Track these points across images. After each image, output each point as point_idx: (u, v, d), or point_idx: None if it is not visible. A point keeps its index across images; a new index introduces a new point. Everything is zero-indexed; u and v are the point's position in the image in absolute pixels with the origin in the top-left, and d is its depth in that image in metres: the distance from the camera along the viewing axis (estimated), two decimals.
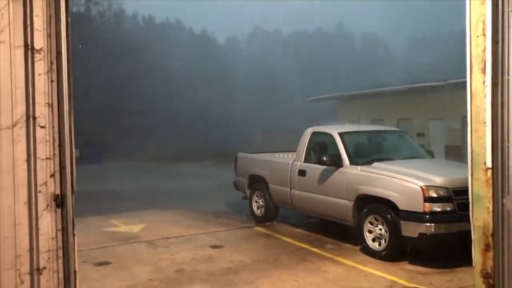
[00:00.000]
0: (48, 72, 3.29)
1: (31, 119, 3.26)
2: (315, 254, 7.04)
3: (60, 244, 3.38)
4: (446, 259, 6.39)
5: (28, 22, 3.20)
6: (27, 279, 3.30)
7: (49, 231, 3.34)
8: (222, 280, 5.90)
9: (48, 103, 3.31)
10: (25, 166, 3.24)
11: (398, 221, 6.44)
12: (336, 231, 8.08)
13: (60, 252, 3.39)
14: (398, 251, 6.56)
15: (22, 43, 3.21)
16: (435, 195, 6.25)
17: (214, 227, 8.95)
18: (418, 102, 19.53)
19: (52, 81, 3.31)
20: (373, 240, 6.82)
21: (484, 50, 4.48)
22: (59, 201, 3.37)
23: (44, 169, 3.31)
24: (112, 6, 38.16)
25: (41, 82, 3.28)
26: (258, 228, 8.88)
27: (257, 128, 31.87)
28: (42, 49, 3.26)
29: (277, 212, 9.34)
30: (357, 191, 7.09)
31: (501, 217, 4.35)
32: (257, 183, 9.53)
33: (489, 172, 4.46)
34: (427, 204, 6.19)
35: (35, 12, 3.21)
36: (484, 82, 4.49)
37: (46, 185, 3.32)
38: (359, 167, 7.28)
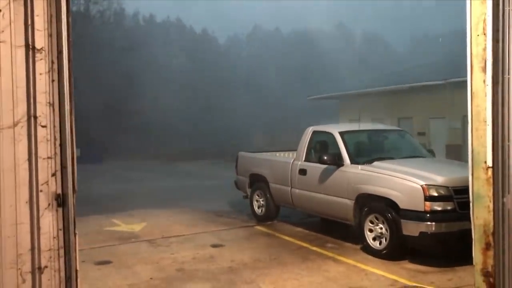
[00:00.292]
0: (49, 71, 3.30)
1: (32, 118, 3.27)
2: (316, 253, 7.04)
3: (61, 243, 3.39)
4: (447, 258, 6.40)
5: (29, 22, 3.21)
6: (28, 278, 3.31)
7: (51, 230, 3.35)
8: (223, 279, 5.91)
9: (49, 103, 3.31)
10: (26, 165, 3.25)
11: (398, 220, 6.44)
12: (337, 230, 8.09)
13: (62, 251, 3.40)
14: (399, 250, 6.56)
15: (23, 42, 3.21)
16: (435, 194, 6.26)
17: (215, 226, 8.96)
18: (419, 101, 19.51)
19: (53, 80, 3.32)
20: (374, 239, 6.82)
21: (484, 49, 4.48)
22: (60, 200, 3.38)
23: (45, 169, 3.32)
24: (112, 5, 38.20)
25: (42, 82, 3.29)
26: (259, 227, 8.89)
27: (258, 127, 31.89)
28: (43, 49, 3.27)
29: (278, 211, 9.35)
30: (358, 190, 7.09)
31: (502, 216, 4.35)
32: (258, 182, 9.54)
33: (490, 171, 4.46)
34: (427, 203, 6.20)
35: (36, 12, 3.22)
36: (484, 81, 4.50)
37: (47, 184, 3.33)
38: (359, 166, 7.28)
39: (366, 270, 6.22)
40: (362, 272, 6.15)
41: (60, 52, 3.30)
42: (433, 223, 6.16)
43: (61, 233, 3.40)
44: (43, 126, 3.30)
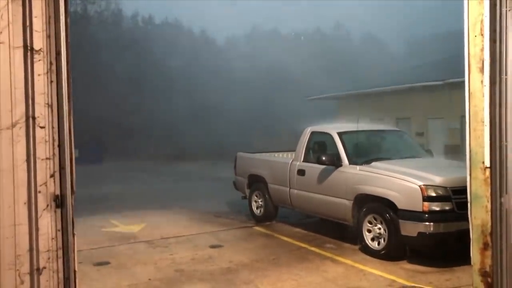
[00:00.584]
0: (47, 72, 3.30)
1: (30, 119, 3.27)
2: (314, 254, 7.05)
3: (60, 244, 3.39)
4: (445, 258, 6.41)
5: (28, 23, 3.21)
6: (27, 279, 3.31)
7: (49, 231, 3.35)
8: (221, 280, 5.92)
9: (48, 104, 3.32)
10: (24, 166, 3.25)
11: (397, 220, 6.46)
12: (335, 230, 8.10)
13: (60, 252, 3.40)
14: (397, 250, 6.57)
15: (21, 43, 3.22)
16: (434, 194, 6.27)
17: (213, 227, 8.96)
18: (417, 101, 19.54)
19: (51, 81, 3.32)
20: (372, 239, 6.83)
21: (482, 50, 4.49)
22: (59, 201, 3.38)
23: (44, 169, 3.32)
24: (110, 6, 38.17)
25: (41, 83, 3.29)
26: (257, 228, 8.90)
27: (257, 127, 31.88)
28: (42, 50, 3.27)
29: (277, 211, 9.35)
30: (356, 191, 7.10)
31: (499, 216, 4.37)
32: (257, 182, 9.54)
33: (487, 171, 4.47)
34: (426, 203, 6.21)
35: (34, 13, 3.23)
36: (482, 82, 4.51)
37: (46, 185, 3.33)
38: (358, 167, 7.29)
39: (364, 270, 6.23)
40: (361, 272, 6.16)
41: (58, 53, 3.31)
42: (431, 223, 6.17)
43: (59, 234, 3.40)
44: (41, 127, 3.30)
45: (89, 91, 27.33)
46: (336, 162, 7.56)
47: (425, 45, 40.62)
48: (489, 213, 4.46)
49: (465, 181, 4.69)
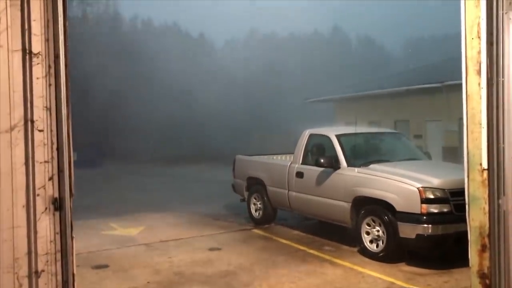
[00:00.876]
0: (46, 76, 3.31)
1: (29, 122, 3.28)
2: (313, 256, 7.06)
3: (58, 247, 3.39)
4: (444, 260, 6.42)
5: (26, 27, 3.22)
6: (25, 282, 3.31)
7: (48, 234, 3.35)
8: (220, 283, 5.92)
9: (46, 107, 3.32)
10: (23, 169, 3.26)
11: (395, 222, 6.47)
12: (334, 232, 8.11)
13: (59, 255, 3.40)
14: (395, 252, 6.58)
15: (20, 47, 3.23)
16: (432, 196, 6.28)
17: (212, 229, 8.96)
18: (415, 104, 19.58)
19: (50, 84, 3.33)
20: (371, 241, 6.84)
21: (479, 52, 4.51)
22: (57, 204, 3.38)
23: (42, 172, 3.32)
24: (109, 9, 38.23)
25: (39, 86, 3.30)
26: (256, 231, 8.90)
27: (255, 130, 31.90)
28: (40, 53, 3.28)
29: (275, 214, 9.35)
30: (355, 193, 7.11)
31: (497, 218, 4.38)
32: (255, 185, 9.55)
33: (485, 173, 4.49)
34: (424, 206, 6.22)
35: (32, 17, 3.23)
36: (479, 84, 4.53)
37: (45, 188, 3.33)
38: (356, 169, 7.31)
39: (363, 272, 6.23)
40: (359, 274, 6.16)
41: (57, 57, 3.31)
42: (430, 225, 6.18)
43: (58, 237, 3.40)
44: (40, 130, 3.31)
45: (88, 94, 27.34)
46: (334, 164, 7.57)
47: (423, 48, 40.74)
48: (487, 215, 4.48)
49: (463, 183, 4.70)
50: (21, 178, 3.26)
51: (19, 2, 3.19)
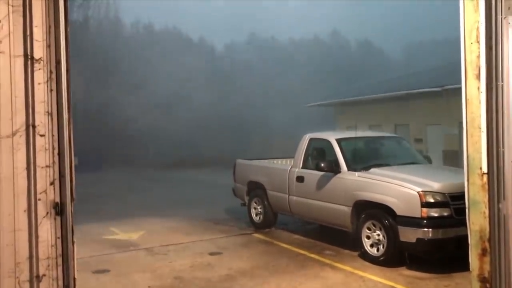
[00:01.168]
0: (47, 81, 3.33)
1: (30, 127, 3.30)
2: (313, 260, 7.05)
3: (59, 251, 3.40)
4: (444, 264, 6.42)
5: (28, 33, 3.25)
6: (26, 286, 3.32)
7: (49, 238, 3.36)
8: (220, 287, 5.91)
9: (48, 112, 3.35)
10: (25, 174, 3.27)
11: (396, 226, 6.47)
12: (334, 237, 8.10)
13: (60, 260, 3.41)
14: (396, 256, 6.58)
15: (22, 52, 3.25)
16: (432, 200, 6.29)
17: (212, 234, 8.96)
18: (416, 108, 19.60)
19: (51, 90, 3.35)
20: (371, 245, 6.84)
21: (478, 57, 4.54)
22: (59, 209, 3.40)
23: (44, 177, 3.34)
24: (109, 14, 38.34)
25: (41, 91, 3.32)
26: (256, 235, 8.89)
27: (255, 134, 31.92)
28: (42, 59, 3.30)
29: (276, 218, 9.35)
30: (355, 197, 7.12)
31: (498, 222, 4.38)
32: (256, 189, 9.55)
33: (485, 177, 4.50)
34: (424, 209, 6.22)
35: (34, 23, 3.26)
36: (478, 88, 4.55)
37: (46, 193, 3.35)
38: (356, 173, 7.31)
39: (364, 277, 6.23)
40: (360, 279, 6.16)
41: (58, 62, 3.34)
42: (430, 229, 6.18)
43: (59, 241, 3.41)
44: (41, 135, 3.33)
45: (88, 98, 27.39)
46: (334, 168, 7.58)
47: (423, 51, 40.81)
48: (487, 219, 4.48)
49: (463, 187, 4.71)
50: (22, 182, 3.28)
51: (21, 9, 3.22)
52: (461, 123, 4.83)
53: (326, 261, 6.95)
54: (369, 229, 6.88)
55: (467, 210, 4.69)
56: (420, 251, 6.46)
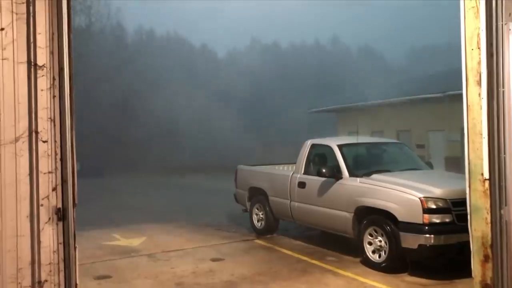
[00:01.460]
0: (50, 87, 3.36)
1: (33, 133, 3.32)
2: (315, 267, 7.04)
3: (61, 257, 3.41)
4: (446, 270, 6.40)
5: (32, 40, 3.28)
6: None
7: (51, 244, 3.37)
8: None
9: (50, 118, 3.37)
10: (27, 180, 3.29)
11: (397, 232, 6.46)
12: (336, 243, 8.09)
13: (62, 265, 3.42)
14: (398, 262, 6.56)
15: (25, 59, 3.29)
16: (434, 206, 6.28)
17: (214, 240, 8.95)
18: (418, 113, 19.60)
19: (54, 96, 3.38)
20: (373, 251, 6.83)
21: (479, 63, 4.56)
22: (61, 214, 3.41)
23: (46, 183, 3.36)
24: (111, 21, 38.57)
25: (44, 98, 3.35)
26: (258, 241, 8.88)
27: (257, 140, 31.95)
28: (45, 66, 3.33)
29: (277, 224, 9.34)
30: (357, 203, 7.11)
31: (500, 228, 4.38)
32: (257, 195, 9.55)
33: (487, 183, 4.50)
34: (426, 215, 6.21)
35: (38, 30, 3.30)
36: (479, 94, 4.57)
37: (48, 199, 3.36)
38: (358, 179, 7.31)
39: (365, 283, 6.21)
40: (362, 285, 6.14)
41: (61, 69, 3.37)
42: (432, 235, 6.17)
43: (61, 247, 3.43)
44: (44, 141, 3.35)
45: (91, 105, 27.48)
46: (336, 174, 7.58)
47: (425, 57, 40.86)
48: (489, 225, 4.48)
49: (465, 193, 4.71)
50: (25, 188, 3.30)
51: (25, 16, 3.26)
52: (463, 129, 4.84)
53: (328, 267, 6.94)
54: (370, 235, 6.87)
55: (468, 216, 4.68)
56: (422, 257, 6.44)
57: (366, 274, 6.54)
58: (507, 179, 4.29)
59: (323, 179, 7.74)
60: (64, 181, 3.43)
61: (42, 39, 3.31)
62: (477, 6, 4.53)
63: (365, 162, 8.21)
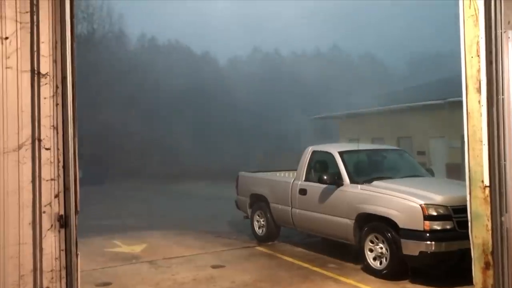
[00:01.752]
0: (53, 96, 3.40)
1: (36, 141, 3.35)
2: (316, 274, 7.03)
3: (63, 264, 3.43)
4: (447, 277, 6.39)
5: (35, 48, 3.32)
6: None
7: (53, 251, 3.39)
8: None
9: (53, 126, 3.40)
10: (30, 187, 3.32)
11: (398, 239, 6.45)
12: (337, 250, 8.08)
13: (63, 272, 3.43)
14: (399, 269, 6.55)
15: (29, 68, 3.32)
16: (434, 213, 6.28)
17: (215, 247, 8.95)
18: (419, 120, 19.63)
19: (57, 104, 3.42)
20: (374, 258, 6.82)
21: (478, 71, 4.59)
22: (63, 222, 3.43)
23: (49, 190, 3.38)
24: (114, 28, 38.75)
25: (47, 106, 3.38)
26: (259, 248, 8.88)
27: (258, 147, 31.98)
28: (48, 74, 3.37)
29: (279, 231, 9.33)
30: (358, 210, 7.12)
31: (500, 235, 4.39)
32: (259, 202, 9.55)
33: (487, 190, 4.51)
34: (427, 222, 6.21)
35: (41, 39, 3.34)
36: (479, 102, 4.59)
37: (51, 206, 3.39)
38: (359, 186, 7.32)
39: None
40: None
41: (64, 77, 3.40)
42: (433, 242, 6.16)
43: (63, 254, 3.44)
44: (47, 149, 3.38)
45: (92, 112, 27.55)
46: (337, 181, 7.59)
47: (426, 64, 40.94)
48: (490, 232, 4.49)
49: (466, 200, 4.72)
50: (27, 195, 3.32)
51: (29, 25, 3.30)
52: (463, 136, 4.86)
53: (329, 274, 6.93)
54: (372, 242, 6.87)
55: (469, 223, 4.69)
56: (423, 264, 6.44)
57: (367, 281, 6.53)
58: (508, 186, 4.30)
59: (324, 185, 7.75)
60: (66, 188, 3.45)
61: (45, 48, 3.35)
62: (476, 14, 4.56)
63: (366, 169, 8.22)
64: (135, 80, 34.13)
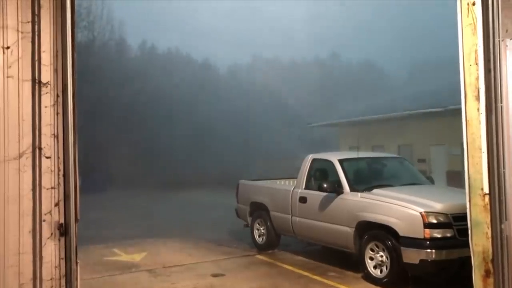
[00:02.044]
0: (54, 104, 3.42)
1: (37, 150, 3.37)
2: (317, 282, 7.01)
3: (63, 272, 3.43)
4: (448, 285, 6.37)
5: (36, 58, 3.35)
6: None
7: (53, 259, 3.39)
8: None
9: (54, 134, 3.42)
10: (30, 195, 3.33)
11: (399, 247, 6.44)
12: (338, 258, 8.06)
13: (63, 281, 3.43)
14: (399, 277, 6.53)
15: (30, 77, 3.35)
16: (435, 221, 6.28)
17: (215, 255, 8.93)
18: (419, 128, 19.65)
19: (58, 113, 3.44)
20: (375, 267, 6.81)
21: (477, 79, 4.60)
22: (63, 230, 3.44)
23: (49, 198, 3.39)
24: (114, 36, 38.92)
25: (47, 114, 3.40)
26: (259, 256, 8.85)
27: (258, 155, 31.98)
28: (49, 83, 3.39)
29: (279, 239, 9.32)
30: (358, 218, 7.11)
31: (500, 243, 4.38)
32: (259, 210, 9.54)
33: (487, 198, 4.51)
34: (427, 230, 6.21)
35: (43, 48, 3.37)
36: (478, 109, 4.60)
37: (51, 214, 3.39)
38: (359, 194, 7.32)
39: None
40: None
41: (65, 86, 3.43)
42: (433, 250, 6.15)
43: (63, 262, 3.44)
44: (47, 157, 3.39)
45: (92, 120, 27.59)
46: (337, 189, 7.59)
47: (427, 72, 41.04)
48: (490, 239, 4.48)
49: (466, 208, 4.72)
50: (28, 204, 3.33)
51: (30, 35, 3.33)
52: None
53: (330, 283, 6.91)
54: (372, 250, 6.86)
55: (469, 231, 4.68)
56: (424, 272, 6.42)
57: None
58: (507, 193, 4.30)
59: (324, 194, 7.75)
60: (66, 196, 3.46)
61: (46, 57, 3.38)
62: (474, 23, 4.59)
63: (366, 177, 8.23)
64: (136, 88, 34.21)
